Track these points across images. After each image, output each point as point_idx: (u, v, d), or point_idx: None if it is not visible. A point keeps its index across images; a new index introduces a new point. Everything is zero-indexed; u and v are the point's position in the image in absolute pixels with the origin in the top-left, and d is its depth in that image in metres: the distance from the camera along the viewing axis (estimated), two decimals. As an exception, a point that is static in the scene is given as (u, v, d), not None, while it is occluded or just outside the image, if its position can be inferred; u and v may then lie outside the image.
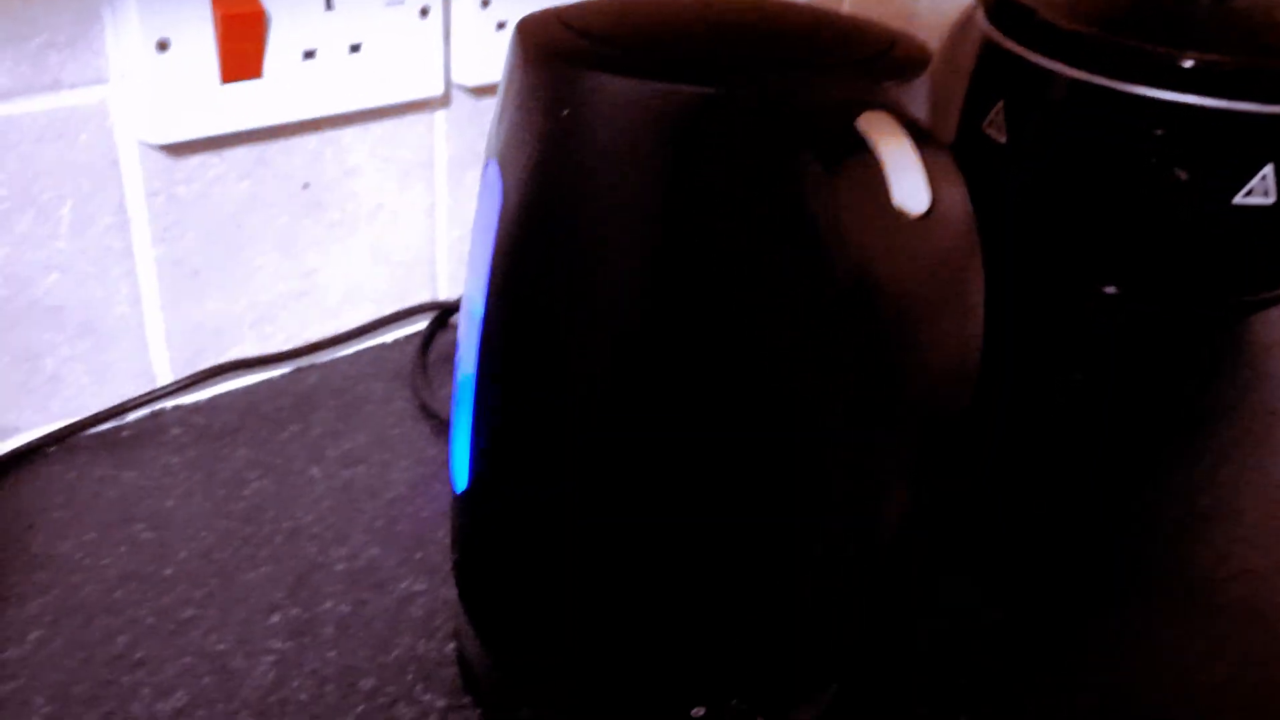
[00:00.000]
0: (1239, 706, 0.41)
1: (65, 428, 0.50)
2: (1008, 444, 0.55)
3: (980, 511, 0.48)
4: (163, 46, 0.46)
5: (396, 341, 0.60)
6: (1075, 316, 0.60)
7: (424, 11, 0.53)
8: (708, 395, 0.30)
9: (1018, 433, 0.56)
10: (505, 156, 0.32)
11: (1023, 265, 0.58)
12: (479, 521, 0.37)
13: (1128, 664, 0.42)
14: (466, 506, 0.37)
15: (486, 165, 0.33)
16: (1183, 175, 0.56)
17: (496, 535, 0.36)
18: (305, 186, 0.54)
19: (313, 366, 0.58)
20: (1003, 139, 0.59)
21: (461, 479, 0.36)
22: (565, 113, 0.29)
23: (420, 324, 0.61)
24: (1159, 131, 0.56)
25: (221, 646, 0.41)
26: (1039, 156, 0.58)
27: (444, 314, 0.61)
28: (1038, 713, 0.40)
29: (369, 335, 0.59)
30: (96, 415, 0.51)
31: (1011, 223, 0.58)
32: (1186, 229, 0.57)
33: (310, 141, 0.53)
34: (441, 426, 0.53)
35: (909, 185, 0.25)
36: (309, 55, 0.50)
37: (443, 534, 0.47)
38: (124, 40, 0.45)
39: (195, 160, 0.50)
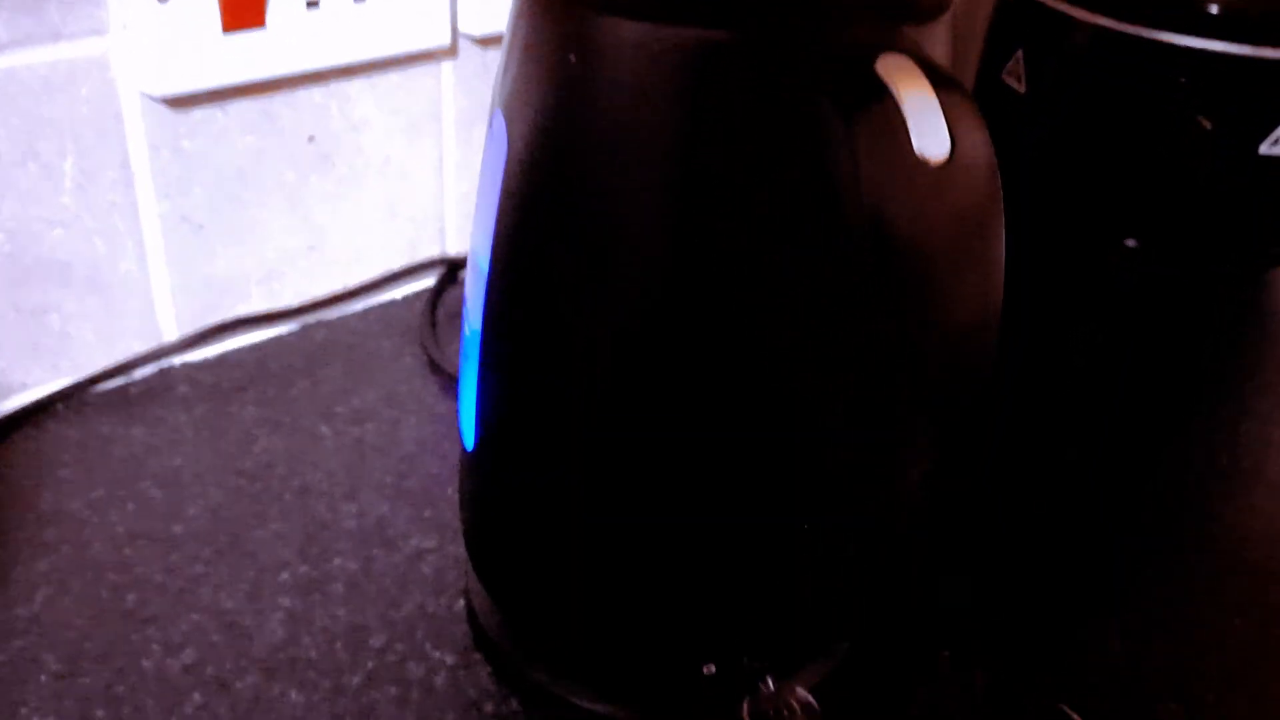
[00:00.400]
0: (1258, 662, 0.40)
1: (73, 385, 0.50)
2: (1023, 405, 0.54)
3: (993, 471, 0.48)
4: (163, -4, 0.45)
5: (406, 298, 0.60)
6: (1095, 273, 0.59)
7: (430, -41, 0.52)
8: (720, 351, 0.29)
9: (1034, 394, 0.55)
10: (511, 106, 0.31)
11: (1041, 219, 0.57)
12: (487, 479, 0.36)
13: (1147, 619, 0.42)
14: (475, 464, 0.36)
15: (492, 115, 0.32)
16: (1207, 124, 0.55)
17: (505, 493, 0.36)
18: (310, 140, 0.53)
19: (321, 323, 0.57)
20: (1022, 88, 0.58)
21: (470, 437, 0.36)
22: (573, 59, 0.28)
23: (429, 280, 0.60)
24: (1183, 79, 0.54)
25: (230, 604, 0.41)
26: (1059, 106, 0.56)
27: (453, 269, 0.61)
28: (1060, 663, 0.40)
29: (378, 291, 0.59)
30: (104, 372, 0.51)
31: (1029, 175, 0.57)
32: (1211, 179, 0.56)
33: (315, 94, 0.52)
34: (450, 383, 0.53)
35: (929, 132, 0.24)
36: (312, 4, 0.49)
37: (452, 491, 0.47)
38: (123, -10, 0.45)
39: (199, 113, 0.49)
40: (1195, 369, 0.58)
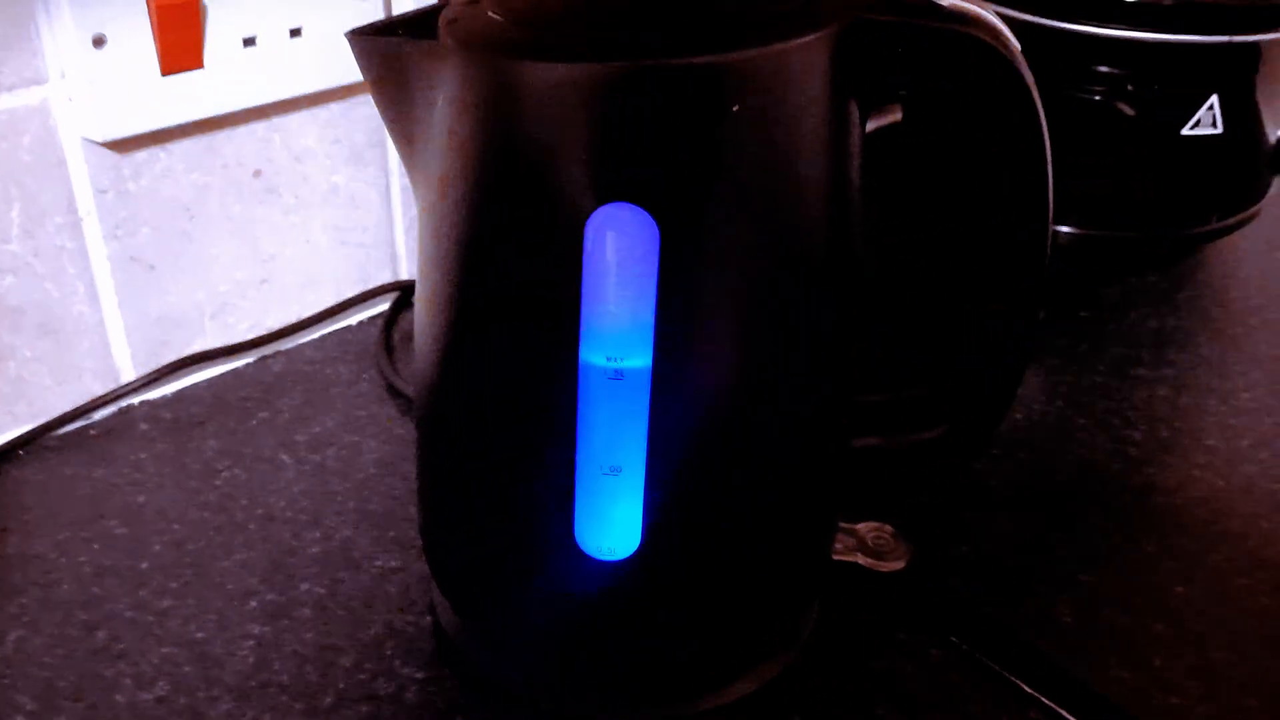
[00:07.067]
0: (1204, 623, 0.42)
1: (33, 430, 0.51)
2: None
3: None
4: (99, 42, 0.45)
5: (360, 323, 0.61)
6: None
7: (363, -9, 0.53)
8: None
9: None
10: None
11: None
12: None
13: (1095, 583, 0.43)
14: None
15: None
16: (1128, 110, 0.57)
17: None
18: (256, 174, 0.54)
19: (277, 353, 0.58)
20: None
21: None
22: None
23: (383, 305, 0.61)
24: (1103, 68, 0.56)
25: (200, 634, 0.42)
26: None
27: (406, 293, 0.61)
28: (1011, 632, 0.41)
29: (332, 319, 0.59)
30: (63, 415, 0.51)
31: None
32: (1136, 163, 0.58)
33: (258, 129, 0.53)
34: (408, 405, 0.54)
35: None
36: (249, 42, 0.50)
37: (415, 510, 0.47)
38: (60, 38, 0.45)
39: (142, 155, 0.50)
40: (1133, 339, 0.59)
